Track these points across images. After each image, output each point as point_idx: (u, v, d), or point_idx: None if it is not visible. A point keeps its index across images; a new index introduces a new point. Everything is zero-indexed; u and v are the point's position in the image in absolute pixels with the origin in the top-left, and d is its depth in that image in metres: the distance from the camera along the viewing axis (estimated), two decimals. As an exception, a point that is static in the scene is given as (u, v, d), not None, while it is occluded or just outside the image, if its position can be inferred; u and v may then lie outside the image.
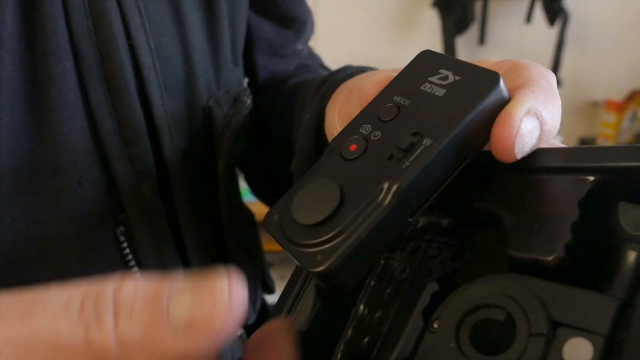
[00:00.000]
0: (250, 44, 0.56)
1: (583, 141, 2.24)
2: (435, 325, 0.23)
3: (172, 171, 0.43)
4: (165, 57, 0.43)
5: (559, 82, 1.94)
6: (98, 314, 0.19)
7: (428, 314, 0.24)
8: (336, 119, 0.38)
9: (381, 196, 0.24)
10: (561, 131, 1.93)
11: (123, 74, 0.39)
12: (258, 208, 0.60)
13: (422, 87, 0.27)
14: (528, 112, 0.25)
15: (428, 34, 2.05)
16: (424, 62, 0.28)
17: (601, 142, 2.14)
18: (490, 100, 0.25)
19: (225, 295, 0.19)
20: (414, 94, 0.27)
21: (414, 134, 0.25)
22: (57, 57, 0.37)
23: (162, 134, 0.42)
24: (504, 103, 0.25)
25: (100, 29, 0.38)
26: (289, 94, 0.53)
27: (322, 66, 0.63)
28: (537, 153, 0.26)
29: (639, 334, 0.19)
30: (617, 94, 2.10)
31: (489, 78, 0.25)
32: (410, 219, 0.25)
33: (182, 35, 0.44)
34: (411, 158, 0.24)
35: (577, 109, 2.27)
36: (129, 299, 0.20)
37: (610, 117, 2.09)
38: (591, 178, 0.23)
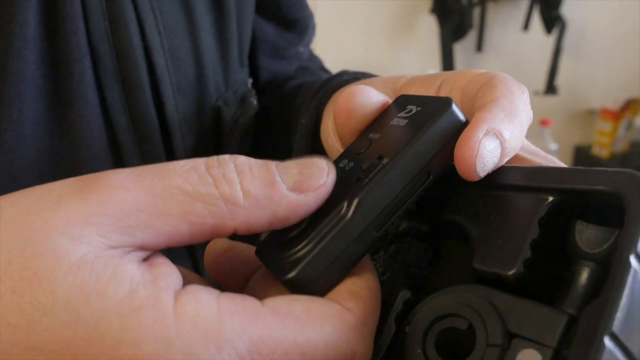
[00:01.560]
0: (254, 46, 0.58)
1: (578, 149, 2.26)
2: (407, 330, 0.26)
3: None
4: (178, 58, 0.44)
5: (555, 90, 1.97)
6: (224, 172, 0.23)
7: (401, 319, 0.27)
8: (330, 128, 0.39)
9: (343, 210, 0.25)
10: (557, 139, 1.95)
11: (138, 73, 0.41)
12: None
13: (390, 122, 0.29)
14: (487, 133, 0.26)
15: (426, 40, 2.06)
16: (398, 104, 0.30)
17: (596, 150, 2.16)
18: (441, 121, 0.27)
19: (325, 167, 0.25)
20: (383, 129, 0.29)
21: (378, 157, 0.27)
22: (76, 56, 0.38)
23: (174, 132, 0.44)
24: (459, 124, 0.27)
25: (117, 30, 0.40)
26: (288, 96, 0.55)
27: (322, 68, 0.65)
28: (501, 170, 0.27)
29: (579, 350, 0.21)
30: (613, 103, 2.12)
31: (442, 104, 0.27)
32: (376, 233, 0.26)
33: (193, 37, 0.46)
34: (370, 175, 0.26)
35: (573, 117, 2.29)
36: (246, 165, 0.24)
37: (606, 126, 2.11)
38: (550, 198, 0.25)
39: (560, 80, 2.06)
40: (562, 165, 0.31)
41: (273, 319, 0.22)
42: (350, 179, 0.27)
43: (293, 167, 0.25)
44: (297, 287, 0.25)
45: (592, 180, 0.24)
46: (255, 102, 0.53)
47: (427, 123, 0.27)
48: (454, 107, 0.27)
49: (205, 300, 0.22)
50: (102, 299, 0.21)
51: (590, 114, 2.26)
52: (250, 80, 0.58)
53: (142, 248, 0.22)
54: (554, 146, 1.95)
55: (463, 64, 2.12)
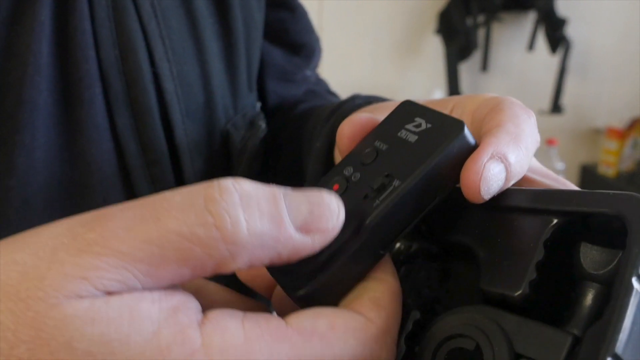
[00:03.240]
0: (262, 70, 0.59)
1: (585, 168, 2.26)
2: (416, 350, 0.26)
3: None
4: (187, 84, 0.45)
5: (560, 110, 1.97)
6: (227, 208, 0.21)
7: (411, 339, 0.27)
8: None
9: (353, 232, 0.26)
10: (563, 158, 1.95)
11: (147, 99, 0.41)
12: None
13: (398, 134, 0.29)
14: (492, 157, 0.27)
15: (432, 61, 2.08)
16: (404, 111, 0.31)
17: (603, 168, 2.16)
18: (453, 146, 0.27)
19: (336, 209, 0.24)
20: (391, 140, 0.29)
21: (387, 175, 0.27)
22: (87, 83, 0.39)
23: (183, 156, 0.44)
24: (469, 148, 0.27)
25: (127, 58, 0.41)
26: (298, 120, 0.55)
27: (329, 92, 0.66)
28: (507, 193, 0.28)
29: None
30: (619, 122, 2.12)
31: (455, 126, 0.28)
32: (382, 251, 0.27)
33: (202, 63, 0.47)
34: (381, 197, 0.26)
35: (579, 136, 2.29)
36: (253, 198, 0.22)
37: (612, 145, 2.11)
38: (555, 220, 0.26)
39: (566, 100, 2.07)
40: (573, 187, 0.32)
41: (299, 338, 0.22)
42: (358, 194, 0.28)
43: (303, 204, 0.23)
44: (307, 304, 0.26)
45: (595, 202, 0.25)
46: (264, 125, 0.53)
47: (439, 146, 0.27)
48: (466, 132, 0.27)
49: (230, 328, 0.22)
50: (127, 347, 0.20)
51: (596, 133, 2.27)
52: (259, 104, 0.59)
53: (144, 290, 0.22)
54: (560, 165, 1.95)
55: (468, 84, 2.13)
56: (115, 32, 0.40)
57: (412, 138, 0.28)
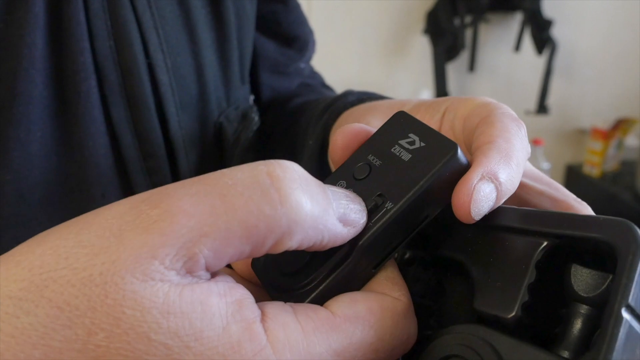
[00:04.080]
0: (255, 63, 0.59)
1: (570, 168, 2.28)
2: None
3: None
4: (181, 76, 0.45)
5: (546, 110, 1.99)
6: (290, 188, 0.22)
7: (407, 358, 0.27)
8: None
9: (346, 252, 0.26)
10: (548, 158, 1.97)
11: (142, 91, 0.41)
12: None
13: (392, 150, 0.29)
14: (482, 178, 0.27)
15: (419, 61, 2.09)
16: (398, 124, 0.30)
17: (587, 168, 2.18)
18: (446, 168, 0.27)
19: (364, 208, 0.26)
20: (384, 156, 0.29)
21: (379, 195, 0.27)
22: (83, 75, 0.39)
23: (178, 148, 0.44)
24: (462, 168, 0.28)
25: (122, 49, 0.40)
26: (293, 114, 0.56)
27: (324, 85, 0.66)
28: (499, 211, 0.28)
29: None
30: (603, 122, 2.14)
31: (448, 148, 0.27)
32: (374, 270, 0.27)
33: (195, 55, 0.47)
34: (373, 219, 0.27)
35: (564, 136, 2.31)
36: (308, 181, 0.23)
37: (597, 145, 2.13)
38: (545, 242, 0.26)
39: (552, 100, 2.09)
40: (564, 190, 0.32)
41: (348, 326, 0.24)
42: None
43: (342, 197, 0.25)
44: None
45: (586, 227, 0.25)
46: (256, 117, 0.53)
47: (432, 168, 0.27)
48: (459, 153, 0.27)
49: (289, 323, 0.23)
50: (200, 342, 0.21)
51: (581, 134, 2.29)
52: (252, 97, 0.59)
53: (206, 269, 0.22)
54: (546, 165, 1.97)
55: (456, 83, 2.14)
56: (110, 23, 0.40)
57: (406, 156, 0.28)
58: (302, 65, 0.64)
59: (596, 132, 2.12)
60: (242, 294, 0.22)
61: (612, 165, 2.16)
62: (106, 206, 0.22)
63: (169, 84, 0.43)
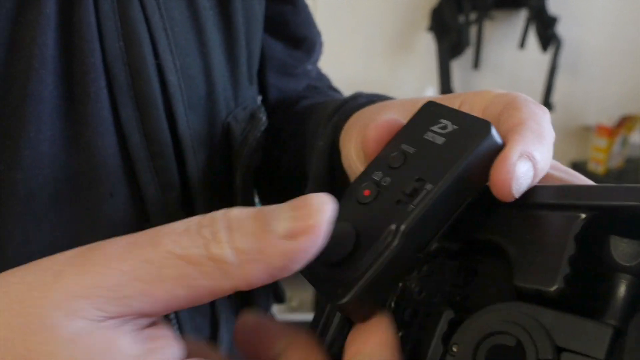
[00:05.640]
0: (262, 64, 0.59)
1: (575, 165, 2.28)
2: (455, 350, 0.26)
3: (193, 183, 0.46)
4: (189, 76, 0.45)
5: (551, 107, 1.99)
6: (213, 231, 0.23)
7: (447, 338, 0.27)
8: (353, 153, 0.40)
9: (390, 237, 0.26)
10: (554, 155, 1.97)
11: (151, 91, 0.42)
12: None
13: (425, 136, 0.29)
14: (521, 156, 0.27)
15: (424, 58, 2.08)
16: (428, 112, 0.31)
17: (592, 165, 2.18)
18: (482, 147, 0.27)
19: (318, 207, 0.24)
20: (418, 143, 0.29)
21: (418, 179, 0.27)
22: (93, 76, 0.39)
23: (186, 148, 0.45)
24: (497, 147, 0.28)
25: (131, 50, 0.41)
26: (300, 117, 0.56)
27: (331, 87, 0.66)
28: (534, 190, 0.28)
29: (633, 359, 0.22)
30: (608, 119, 2.14)
31: (482, 127, 0.28)
32: (419, 254, 0.27)
33: (204, 56, 0.47)
34: (415, 202, 0.27)
35: (569, 133, 2.30)
36: (238, 219, 0.24)
37: (602, 142, 2.13)
38: (583, 215, 0.26)
39: (556, 98, 2.08)
40: (587, 179, 0.32)
41: None
42: (391, 199, 0.28)
43: (286, 212, 0.24)
44: (349, 311, 0.26)
45: (623, 196, 0.25)
46: (264, 118, 0.54)
47: (467, 148, 0.27)
48: (493, 132, 0.28)
49: None
50: None
51: (586, 131, 2.28)
52: (259, 98, 0.59)
53: (141, 316, 0.23)
54: (550, 162, 1.96)
55: (460, 81, 2.14)
56: (120, 24, 0.40)
57: (440, 140, 0.28)
58: (310, 66, 0.64)
59: (601, 129, 2.12)
60: (163, 344, 0.24)
61: (617, 162, 2.15)
62: (62, 253, 0.24)
63: (177, 84, 0.44)
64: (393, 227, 0.26)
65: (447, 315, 0.28)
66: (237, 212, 0.24)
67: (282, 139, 0.58)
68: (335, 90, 0.66)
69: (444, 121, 0.29)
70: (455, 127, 0.29)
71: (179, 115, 0.44)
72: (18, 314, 0.22)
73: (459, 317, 0.27)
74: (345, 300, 0.26)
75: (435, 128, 0.29)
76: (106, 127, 0.40)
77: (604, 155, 2.13)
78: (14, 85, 0.36)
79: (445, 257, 0.31)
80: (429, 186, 0.27)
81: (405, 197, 0.27)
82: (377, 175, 0.29)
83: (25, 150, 0.37)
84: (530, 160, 0.28)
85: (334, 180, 0.46)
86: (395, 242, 0.26)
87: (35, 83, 0.37)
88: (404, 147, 0.30)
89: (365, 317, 0.27)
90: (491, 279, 0.30)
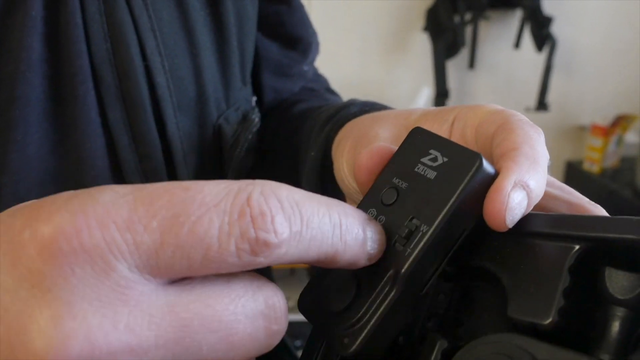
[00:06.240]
0: (257, 64, 0.59)
1: (570, 164, 2.28)
2: None
3: None
4: (179, 78, 0.45)
5: (546, 107, 1.99)
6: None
7: None
8: (345, 168, 0.40)
9: (390, 283, 0.26)
10: (549, 154, 1.97)
11: (139, 93, 0.41)
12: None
13: (415, 169, 0.29)
14: (515, 186, 0.27)
15: (419, 58, 2.08)
16: (416, 141, 0.30)
17: (587, 165, 2.18)
18: (475, 180, 0.27)
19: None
20: (409, 177, 0.29)
21: (412, 219, 0.27)
22: (80, 78, 0.39)
23: (175, 150, 0.44)
24: (489, 178, 0.27)
25: (119, 52, 0.40)
26: (295, 122, 0.55)
27: (328, 89, 0.66)
28: (528, 218, 0.28)
29: None
30: (603, 119, 2.14)
31: (472, 160, 0.27)
32: (421, 292, 0.27)
33: (194, 57, 0.47)
34: (411, 245, 0.26)
35: (564, 133, 2.31)
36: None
37: (597, 142, 2.13)
38: (577, 246, 0.25)
39: (551, 97, 2.09)
40: (579, 195, 0.32)
41: None
42: (388, 241, 0.27)
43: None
44: (356, 358, 0.26)
45: (619, 228, 0.25)
46: (257, 119, 0.53)
47: (460, 183, 0.27)
48: (485, 163, 0.27)
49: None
50: None
51: (581, 130, 2.29)
52: (254, 99, 0.59)
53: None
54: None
55: (456, 80, 2.14)
56: (107, 26, 0.40)
57: (431, 174, 0.28)
58: (306, 67, 0.64)
59: (596, 129, 2.12)
60: None
61: (612, 161, 2.16)
62: None
63: (166, 86, 0.43)
64: (391, 272, 0.26)
65: (441, 345, 0.27)
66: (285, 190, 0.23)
67: (277, 143, 0.57)
68: (332, 92, 0.66)
69: (434, 152, 0.29)
70: (445, 159, 0.28)
71: (168, 117, 0.44)
72: None
73: (452, 346, 0.27)
74: (352, 349, 0.26)
75: (425, 160, 0.29)
76: (94, 129, 0.40)
77: (599, 155, 2.13)
78: (1, 89, 0.36)
79: (439, 279, 0.30)
80: (424, 228, 0.27)
81: (401, 240, 0.27)
82: (372, 213, 0.29)
83: (12, 153, 0.37)
84: (525, 189, 0.27)
85: (326, 191, 0.46)
86: (395, 289, 0.26)
87: (22, 86, 0.36)
88: (396, 181, 0.29)
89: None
90: (486, 306, 0.29)
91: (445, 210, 0.27)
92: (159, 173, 0.43)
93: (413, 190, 0.28)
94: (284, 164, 0.56)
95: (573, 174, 2.26)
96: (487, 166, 0.27)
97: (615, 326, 0.24)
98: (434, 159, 0.29)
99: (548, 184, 0.31)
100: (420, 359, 0.28)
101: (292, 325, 0.33)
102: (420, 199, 0.28)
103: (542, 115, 2.11)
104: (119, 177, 0.42)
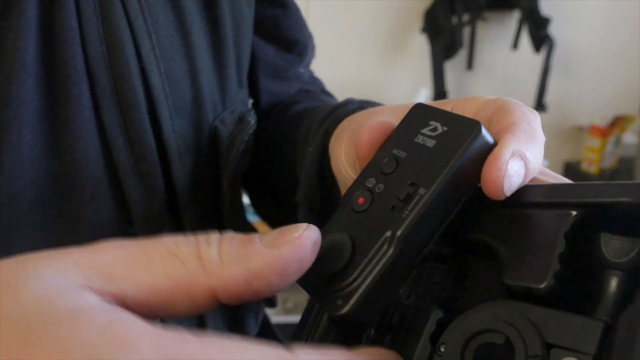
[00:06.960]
0: (254, 67, 0.59)
1: (568, 165, 2.28)
2: (442, 349, 0.26)
3: (179, 187, 0.45)
4: (174, 80, 0.45)
5: (544, 108, 1.99)
6: (208, 238, 0.25)
7: (435, 339, 0.27)
8: (343, 158, 0.40)
9: (386, 244, 0.26)
10: (547, 155, 1.97)
11: (134, 95, 0.41)
12: (264, 228, 0.62)
13: (415, 140, 0.29)
14: (513, 154, 0.27)
15: (417, 59, 2.09)
16: (417, 114, 0.31)
17: (585, 166, 2.18)
18: (473, 147, 0.27)
19: (302, 226, 0.25)
20: (409, 147, 0.29)
21: (411, 184, 0.27)
22: (74, 80, 0.39)
23: (171, 152, 0.44)
24: (488, 146, 0.28)
25: (114, 54, 0.40)
26: (292, 122, 0.55)
27: (324, 91, 0.66)
28: (524, 189, 0.28)
29: (620, 354, 0.22)
30: (601, 120, 2.14)
31: (471, 127, 0.28)
32: (417, 258, 0.27)
33: (189, 59, 0.47)
34: (409, 207, 0.27)
35: (562, 133, 2.31)
36: (232, 235, 0.25)
37: (595, 142, 2.13)
38: (574, 212, 0.26)
39: (549, 98, 2.09)
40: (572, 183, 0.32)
41: None
42: (385, 205, 0.28)
43: (273, 232, 0.25)
44: (349, 320, 0.26)
45: (613, 193, 0.25)
46: (253, 121, 0.53)
47: (459, 149, 0.27)
48: (484, 131, 0.28)
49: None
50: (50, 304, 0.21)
51: (579, 131, 2.29)
52: (250, 101, 0.59)
53: (122, 300, 0.23)
54: (544, 162, 1.97)
55: (454, 81, 2.14)
56: (102, 28, 0.40)
57: (430, 143, 0.28)
58: (302, 70, 0.64)
59: (594, 130, 2.13)
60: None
61: (610, 162, 2.16)
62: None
63: (162, 88, 0.43)
64: (389, 233, 0.26)
65: (435, 315, 0.27)
66: (232, 233, 0.25)
67: (274, 144, 0.57)
68: (328, 94, 0.66)
69: (434, 123, 0.29)
70: (445, 128, 0.29)
71: (164, 119, 0.44)
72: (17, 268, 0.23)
73: (447, 317, 0.27)
74: (345, 310, 0.26)
75: (425, 130, 0.29)
76: (88, 130, 0.40)
77: (597, 156, 2.13)
78: None
79: (435, 261, 0.31)
80: (422, 190, 0.27)
81: (399, 203, 0.27)
82: (370, 182, 0.29)
83: (6, 153, 0.37)
84: (522, 159, 0.28)
85: (325, 186, 0.46)
86: (392, 249, 0.26)
87: (16, 86, 0.37)
88: (396, 151, 0.30)
89: (363, 325, 0.27)
90: (480, 281, 0.29)
91: (443, 173, 0.27)
92: (155, 175, 0.43)
93: (413, 159, 0.29)
94: (281, 164, 0.56)
95: (571, 175, 2.26)
96: (486, 134, 0.28)
97: (611, 289, 0.24)
98: (434, 129, 0.29)
99: (543, 174, 0.32)
100: (414, 333, 0.28)
101: (292, 327, 0.32)
102: (420, 165, 0.28)
103: (540, 116, 2.10)
104: (113, 178, 0.42)
